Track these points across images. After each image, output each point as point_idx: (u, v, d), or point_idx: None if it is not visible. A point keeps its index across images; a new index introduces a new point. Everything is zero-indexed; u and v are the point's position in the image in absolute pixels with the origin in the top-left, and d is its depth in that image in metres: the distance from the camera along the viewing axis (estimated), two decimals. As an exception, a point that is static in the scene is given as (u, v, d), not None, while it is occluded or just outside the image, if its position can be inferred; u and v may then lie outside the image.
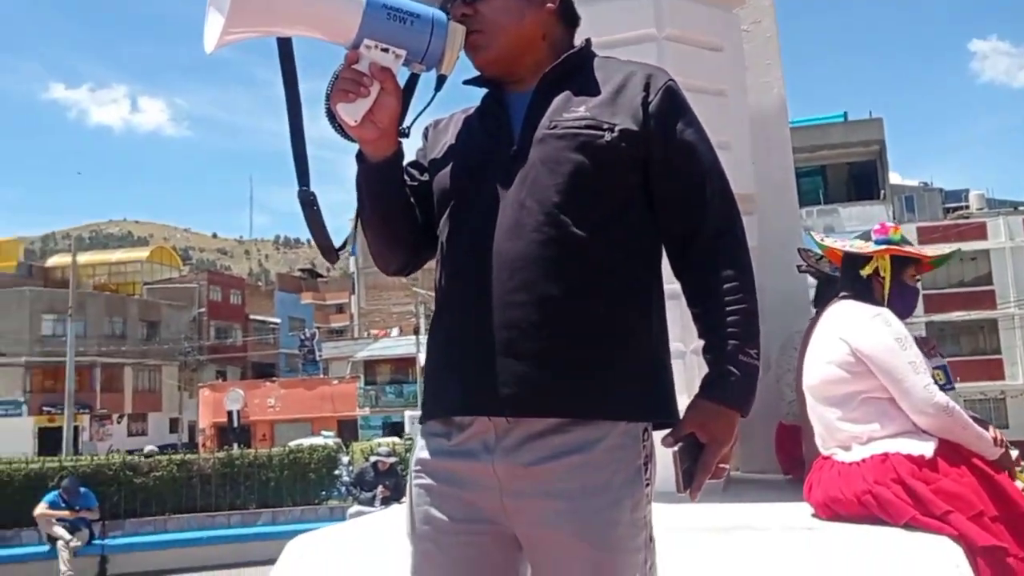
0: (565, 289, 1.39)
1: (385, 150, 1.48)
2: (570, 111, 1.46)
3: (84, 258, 53.45)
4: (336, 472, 11.73)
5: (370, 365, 40.54)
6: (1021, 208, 36.78)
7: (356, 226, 1.61)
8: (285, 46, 1.52)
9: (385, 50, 1.41)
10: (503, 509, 1.40)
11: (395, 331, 45.08)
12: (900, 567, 2.07)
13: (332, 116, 1.46)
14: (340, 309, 64.21)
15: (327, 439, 19.43)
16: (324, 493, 11.47)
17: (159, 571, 9.66)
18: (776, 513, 2.59)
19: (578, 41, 1.60)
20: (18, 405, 41.23)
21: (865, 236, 2.81)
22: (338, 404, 38.23)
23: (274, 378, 46.59)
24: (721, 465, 1.43)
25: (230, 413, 36.40)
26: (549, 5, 1.54)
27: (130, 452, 14.85)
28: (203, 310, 54.61)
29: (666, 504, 1.48)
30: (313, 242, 1.64)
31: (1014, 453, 2.57)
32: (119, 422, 45.21)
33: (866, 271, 2.69)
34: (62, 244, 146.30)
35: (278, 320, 60.11)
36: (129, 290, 57.78)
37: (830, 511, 2.48)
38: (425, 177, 1.57)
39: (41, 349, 41.87)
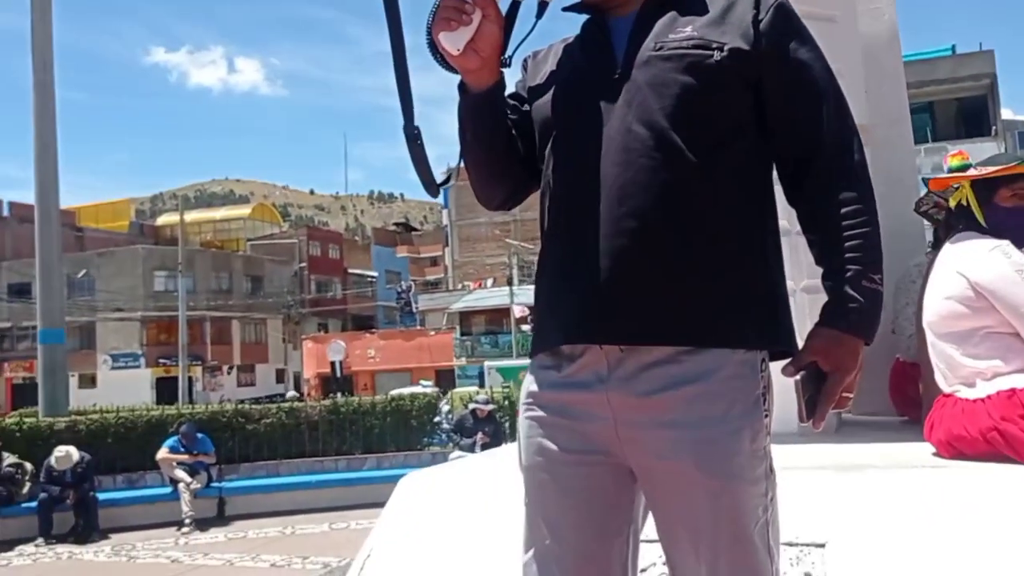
0: (678, 215, 1.36)
1: (487, 80, 1.46)
2: (676, 31, 1.41)
3: (190, 216, 55.48)
4: (436, 419, 11.99)
5: (465, 316, 41.09)
6: None
7: (459, 163, 1.60)
8: None
9: None
10: (617, 439, 1.39)
11: (489, 282, 45.45)
12: (1029, 506, 1.99)
13: (433, 47, 1.44)
14: (434, 262, 65.05)
15: (425, 388, 19.83)
16: (426, 439, 11.73)
17: (272, 512, 10.09)
18: (896, 452, 2.51)
19: None
20: (136, 357, 43.51)
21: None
22: (435, 354, 38.96)
23: (373, 330, 47.74)
24: (845, 394, 1.39)
25: (333, 364, 37.53)
26: None
27: (264, 399, 15.30)
28: (304, 265, 56.17)
29: (778, 444, 1.45)
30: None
31: None
32: (229, 373, 47.25)
33: (953, 202, 2.55)
34: (169, 204, 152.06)
35: (375, 273, 61.38)
36: (233, 247, 59.85)
37: (953, 450, 2.39)
38: (526, 108, 1.55)
39: (155, 304, 43.90)
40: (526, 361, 1.60)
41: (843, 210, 1.40)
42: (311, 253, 57.71)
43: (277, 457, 10.99)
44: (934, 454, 2.46)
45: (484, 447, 10.70)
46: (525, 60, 1.61)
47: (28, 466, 9.67)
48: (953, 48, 30.98)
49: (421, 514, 2.41)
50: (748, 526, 1.36)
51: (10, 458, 9.63)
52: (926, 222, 3.45)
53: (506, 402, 12.83)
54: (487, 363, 27.97)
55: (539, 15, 1.53)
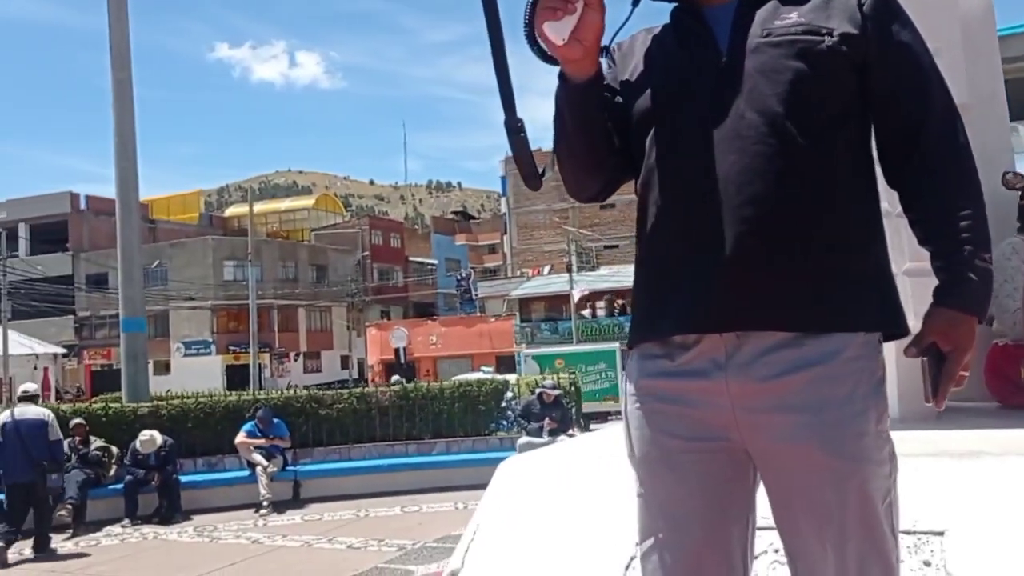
0: (796, 200, 1.36)
1: (588, 69, 1.46)
2: (782, 18, 1.42)
3: (257, 208, 56.49)
4: (503, 404, 12.08)
5: (525, 303, 41.15)
6: None
7: (553, 154, 1.60)
8: None
9: None
10: (736, 425, 1.40)
11: (546, 269, 45.44)
12: None
13: (531, 38, 1.45)
14: (493, 249, 65.21)
15: (486, 374, 19.93)
16: (493, 425, 11.84)
17: (345, 495, 10.29)
18: (1006, 439, 2.46)
19: None
20: (207, 345, 44.65)
21: None
22: (496, 340, 39.14)
23: (434, 316, 48.12)
24: (963, 373, 1.39)
25: (397, 350, 37.98)
26: None
27: (328, 385, 15.43)
28: (366, 253, 56.89)
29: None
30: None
31: None
32: (296, 359, 48.20)
33: None
34: (235, 195, 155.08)
35: (435, 261, 61.86)
36: (298, 236, 60.91)
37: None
38: (618, 100, 1.54)
39: (224, 293, 44.95)
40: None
41: (951, 189, 1.40)
42: (373, 242, 58.42)
43: (349, 441, 11.20)
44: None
45: (552, 433, 10.75)
46: (609, 51, 1.61)
47: (114, 449, 10.02)
48: (1027, 24, 29.80)
49: (524, 497, 2.46)
50: (876, 508, 1.37)
51: (97, 442, 9.98)
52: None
53: (572, 388, 12.86)
54: (523, 351, 28.01)
55: (635, 3, 1.54)
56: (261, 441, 10.34)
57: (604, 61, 1.58)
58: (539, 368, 20.07)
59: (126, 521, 9.50)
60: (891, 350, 1.50)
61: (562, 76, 1.49)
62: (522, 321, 39.99)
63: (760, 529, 1.50)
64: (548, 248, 48.02)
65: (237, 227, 59.60)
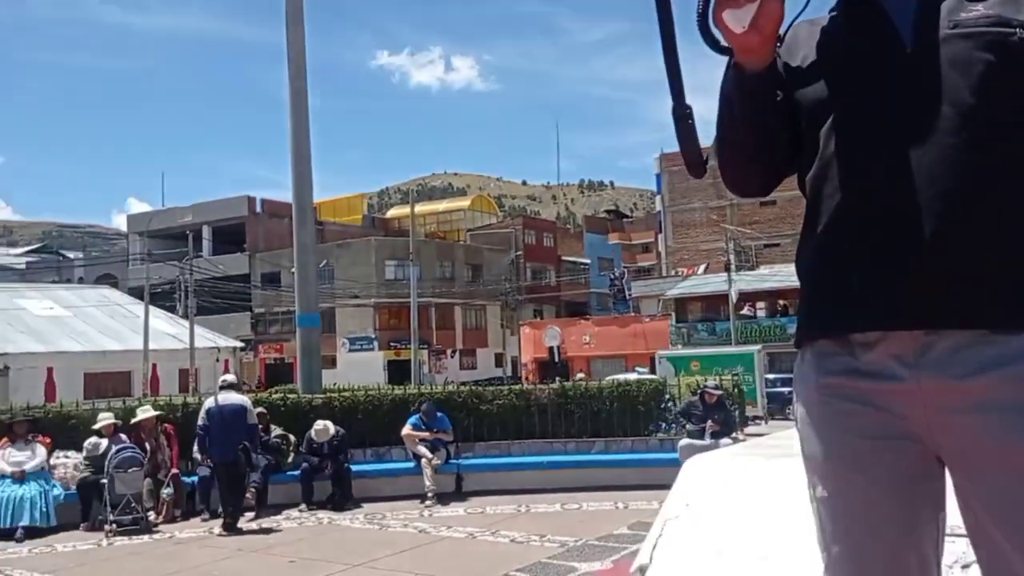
0: (989, 193, 1.31)
1: (765, 59, 1.43)
2: (968, 10, 1.36)
3: (416, 209, 58.42)
4: (663, 405, 11.95)
5: (681, 303, 40.52)
6: None
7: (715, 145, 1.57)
8: None
9: None
10: (927, 425, 1.34)
11: (701, 268, 44.56)
12: None
13: (705, 26, 1.42)
14: (646, 248, 64.58)
15: (641, 375, 19.76)
16: (652, 426, 11.74)
17: (506, 490, 10.49)
18: None
19: None
20: (370, 341, 46.56)
21: None
22: (650, 341, 38.70)
23: (587, 316, 48.16)
24: None
25: (551, 349, 38.30)
26: None
27: (489, 382, 15.74)
28: (520, 253, 57.61)
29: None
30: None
31: None
32: (452, 356, 49.48)
33: None
34: (394, 198, 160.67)
35: (588, 260, 61.90)
36: (455, 237, 62.47)
37: None
38: (785, 91, 1.49)
39: (386, 291, 46.74)
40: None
41: None
42: (526, 242, 59.12)
43: (509, 437, 11.40)
44: None
45: (714, 435, 10.55)
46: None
47: (292, 438, 10.64)
48: None
49: (713, 496, 2.45)
50: None
51: (276, 430, 10.63)
52: None
53: (735, 389, 12.58)
54: (658, 352, 27.49)
55: None
56: (425, 434, 10.69)
57: None
58: (674, 370, 19.71)
59: (303, 506, 10.08)
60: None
61: (735, 66, 1.46)
62: (678, 321, 39.41)
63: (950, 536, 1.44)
64: (704, 247, 47.11)
65: (398, 228, 61.86)
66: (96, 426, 9.86)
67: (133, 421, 10.10)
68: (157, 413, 10.31)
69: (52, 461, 9.76)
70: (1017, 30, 1.34)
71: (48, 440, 9.84)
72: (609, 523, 8.55)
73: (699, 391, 11.31)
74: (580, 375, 17.78)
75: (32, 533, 8.97)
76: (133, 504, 9.24)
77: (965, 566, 2.03)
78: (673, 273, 46.95)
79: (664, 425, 11.75)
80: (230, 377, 10.26)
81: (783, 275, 34.40)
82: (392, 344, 46.04)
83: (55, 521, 9.28)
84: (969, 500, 1.37)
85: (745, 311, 36.65)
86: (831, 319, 1.44)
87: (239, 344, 40.12)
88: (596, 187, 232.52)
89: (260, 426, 10.30)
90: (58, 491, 9.50)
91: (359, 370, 37.06)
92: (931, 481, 1.41)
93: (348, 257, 48.19)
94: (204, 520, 9.64)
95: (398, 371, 40.28)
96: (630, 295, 47.86)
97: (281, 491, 10.20)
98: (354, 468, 10.56)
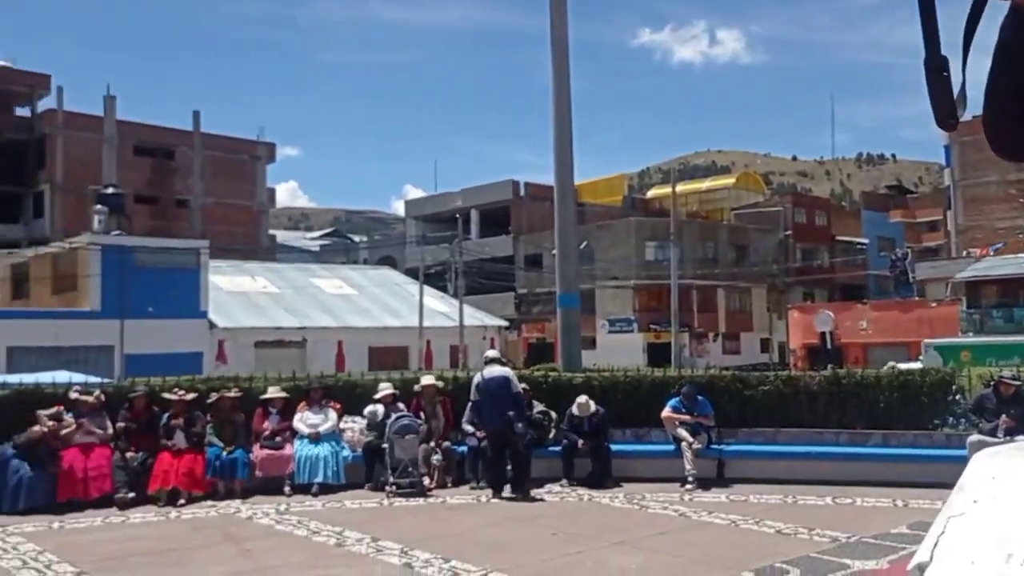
0: None
1: None
2: None
3: (678, 188, 57.66)
4: (950, 398, 10.88)
5: (973, 286, 36.70)
6: None
7: (962, 90, 1.38)
8: None
9: None
10: None
11: (996, 248, 40.11)
12: None
13: None
14: (933, 227, 59.26)
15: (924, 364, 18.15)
16: (937, 420, 10.72)
17: (770, 479, 10.07)
18: None
19: None
20: (630, 322, 46.72)
21: None
22: (937, 328, 35.40)
23: (864, 300, 45.03)
24: None
25: (822, 334, 36.29)
26: None
27: (754, 367, 15.22)
28: (789, 233, 55.07)
29: None
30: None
31: None
32: (714, 340, 48.42)
33: None
34: (655, 178, 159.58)
35: (865, 240, 57.87)
36: (718, 216, 60.96)
37: None
38: None
39: (646, 273, 46.62)
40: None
41: None
42: (796, 220, 56.41)
43: (775, 425, 10.91)
44: None
45: (1008, 432, 9.45)
46: None
47: (553, 414, 10.91)
48: None
49: (1006, 497, 2.15)
50: None
51: (539, 406, 10.94)
52: None
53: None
54: (924, 340, 24.78)
55: None
56: (686, 417, 10.52)
57: None
58: (942, 360, 17.80)
59: (563, 481, 10.31)
60: None
61: (1017, 7, 1.28)
62: (969, 307, 35.78)
63: None
64: (1001, 224, 42.42)
65: (658, 208, 61.36)
66: (377, 395, 10.69)
67: (416, 388, 10.91)
68: (438, 383, 11.03)
69: (341, 425, 10.71)
70: None
71: (339, 406, 10.82)
72: (886, 521, 7.94)
73: (993, 382, 10.16)
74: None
75: (325, 489, 9.91)
76: (410, 469, 9.94)
77: None
78: (964, 254, 42.67)
79: (951, 419, 10.69)
80: (493, 352, 10.92)
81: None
82: (651, 326, 45.87)
83: (344, 480, 10.20)
84: None
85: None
86: None
87: (504, 323, 41.90)
88: (875, 161, 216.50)
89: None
90: (347, 452, 10.43)
91: (618, 351, 37.31)
92: None
93: (608, 238, 48.58)
94: (472, 488, 10.15)
95: (657, 354, 40.06)
96: (914, 278, 44.06)
97: (543, 466, 10.48)
98: (613, 447, 10.62)
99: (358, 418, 10.75)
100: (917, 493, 8.87)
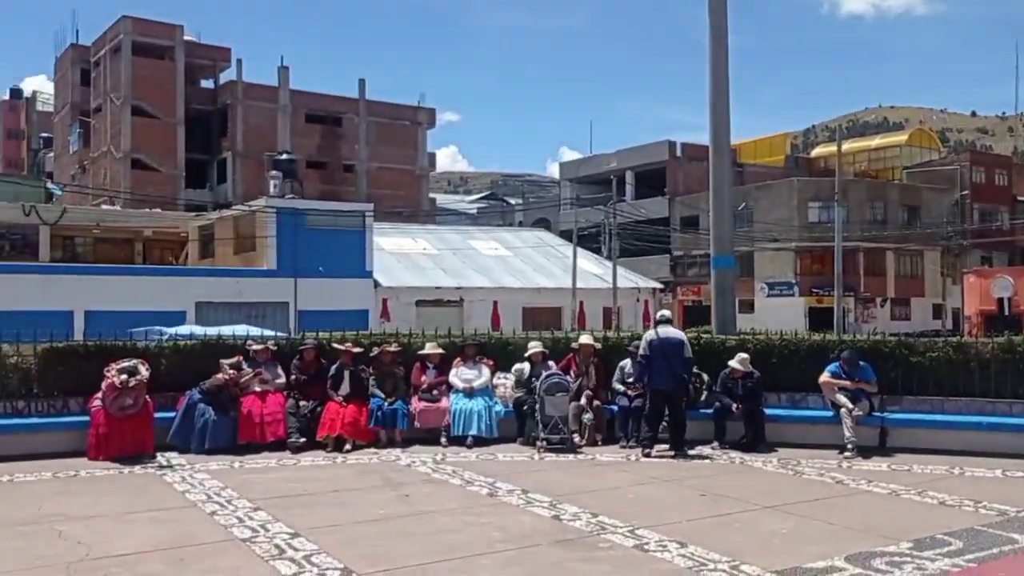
0: None
1: None
2: None
3: (844, 147, 54.85)
4: None
5: None
6: None
7: None
8: None
9: None
10: None
11: None
12: None
13: None
14: None
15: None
16: None
17: (936, 450, 9.61)
18: None
19: None
20: (790, 286, 45.17)
21: None
22: None
23: (1052, 265, 41.60)
24: None
25: (1000, 300, 33.86)
26: None
27: (922, 334, 14.38)
28: (965, 192, 51.46)
29: None
30: None
31: None
32: (882, 306, 46.09)
33: None
34: (821, 136, 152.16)
35: (1054, 200, 53.25)
36: (888, 176, 57.65)
37: None
38: None
39: (808, 235, 44.81)
40: None
41: None
42: (974, 180, 52.62)
43: (943, 393, 10.37)
44: None
45: None
46: None
47: (705, 376, 10.79)
48: None
49: None
50: None
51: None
52: None
53: None
54: None
55: None
56: (846, 383, 10.16)
57: None
58: None
59: (715, 444, 10.22)
60: None
61: None
62: None
63: None
64: None
65: (823, 168, 58.62)
66: (527, 353, 10.92)
67: (573, 345, 11.08)
68: (596, 343, 11.13)
69: (494, 381, 11.03)
70: None
71: (492, 362, 11.13)
72: (1065, 498, 7.44)
73: None
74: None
75: (478, 442, 10.27)
76: (560, 425, 10.13)
77: None
78: None
79: None
80: (667, 313, 10.92)
81: None
82: (814, 290, 44.15)
83: (496, 433, 10.52)
84: None
85: None
86: None
87: (658, 285, 41.47)
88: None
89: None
90: (499, 408, 10.74)
91: (777, 316, 36.21)
92: None
93: (768, 199, 46.97)
94: (622, 447, 10.25)
95: (819, 319, 38.57)
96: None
97: (694, 428, 10.40)
98: (768, 412, 10.41)
99: (509, 375, 11.03)
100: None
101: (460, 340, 11.56)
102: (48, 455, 9.17)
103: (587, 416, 10.51)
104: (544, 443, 10.04)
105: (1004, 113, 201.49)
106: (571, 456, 9.81)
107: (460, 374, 10.90)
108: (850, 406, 9.92)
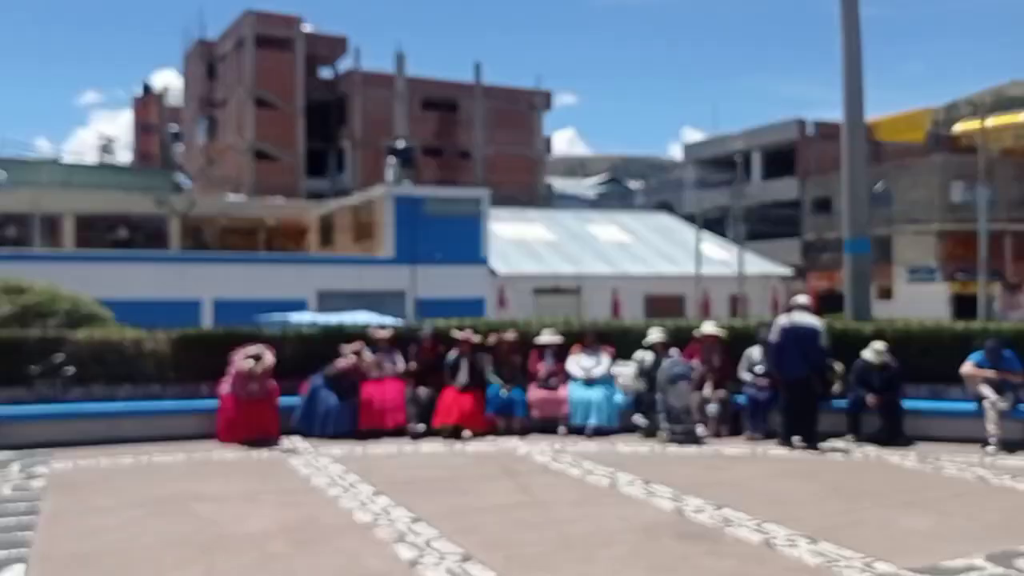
0: None
1: None
2: None
3: (989, 122, 51.36)
4: None
5: None
6: None
7: None
8: None
9: None
10: None
11: None
12: None
13: None
14: None
15: None
16: None
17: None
18: None
19: None
20: (931, 271, 42.70)
21: None
22: None
23: None
24: None
25: None
26: None
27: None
28: None
29: None
30: None
31: None
32: (1037, 292, 43.02)
33: None
34: (964, 111, 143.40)
35: None
36: (1040, 152, 53.60)
37: None
38: None
39: (952, 216, 42.27)
40: None
41: None
42: None
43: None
44: None
45: None
46: None
47: (838, 366, 10.26)
48: None
49: None
50: None
51: (821, 357, 10.32)
52: None
53: None
54: None
55: None
56: (991, 373, 9.50)
57: None
58: None
59: (849, 437, 9.74)
60: None
61: None
62: None
63: None
64: None
65: (967, 145, 55.10)
66: (646, 341, 10.65)
67: (696, 334, 10.74)
68: (720, 332, 10.75)
69: (613, 369, 10.83)
70: None
71: (612, 350, 10.94)
72: None
73: None
74: None
75: (598, 432, 10.12)
76: (683, 416, 9.85)
77: None
78: None
79: None
80: (803, 298, 10.29)
81: None
82: (958, 276, 41.62)
83: (617, 423, 10.34)
84: None
85: None
86: None
87: (787, 271, 40.02)
88: None
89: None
90: (620, 397, 10.55)
91: (919, 303, 34.37)
92: None
93: (908, 179, 44.50)
94: (749, 439, 9.89)
95: (964, 306, 36.35)
96: None
97: (827, 421, 9.92)
98: (906, 404, 9.83)
99: (630, 363, 10.82)
100: None
101: (577, 328, 11.42)
102: (180, 437, 9.59)
103: (712, 407, 10.19)
104: (667, 434, 9.80)
105: None
106: (695, 448, 9.54)
107: (579, 362, 10.76)
108: (994, 398, 9.29)
